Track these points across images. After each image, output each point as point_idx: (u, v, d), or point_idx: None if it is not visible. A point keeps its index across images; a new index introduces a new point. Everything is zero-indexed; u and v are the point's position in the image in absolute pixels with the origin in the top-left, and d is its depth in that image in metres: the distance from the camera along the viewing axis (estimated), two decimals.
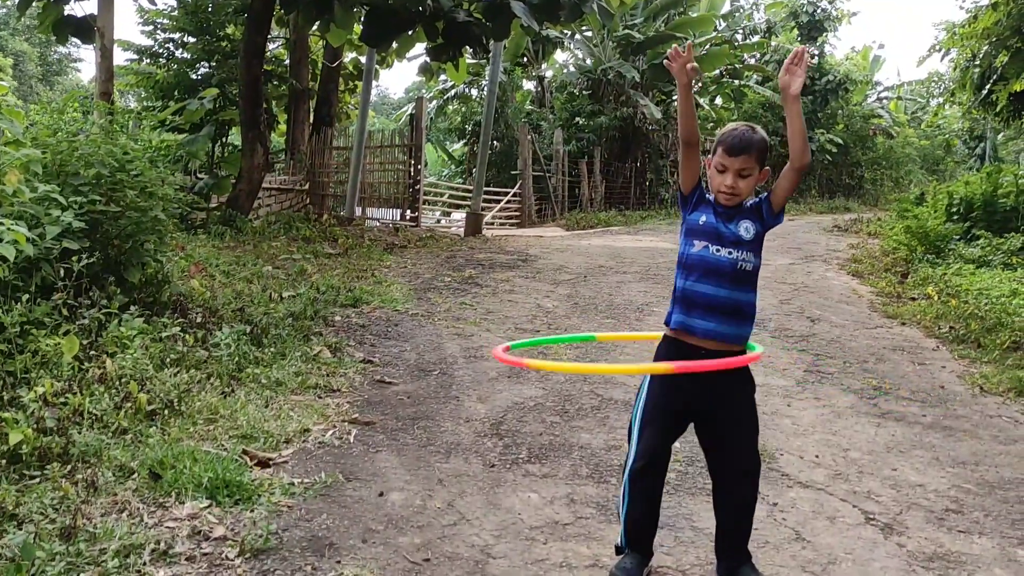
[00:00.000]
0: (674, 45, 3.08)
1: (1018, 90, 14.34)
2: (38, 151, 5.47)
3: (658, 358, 3.17)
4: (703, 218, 3.07)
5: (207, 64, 17.13)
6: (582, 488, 4.04)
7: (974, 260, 11.50)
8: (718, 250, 3.02)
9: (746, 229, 3.03)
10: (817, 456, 4.68)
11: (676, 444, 3.34)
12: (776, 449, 4.71)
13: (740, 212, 3.06)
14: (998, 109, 16.92)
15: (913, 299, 9.60)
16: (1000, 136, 34.05)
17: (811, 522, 3.80)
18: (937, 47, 16.98)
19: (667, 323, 3.16)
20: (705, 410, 3.08)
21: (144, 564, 2.99)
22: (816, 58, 31.25)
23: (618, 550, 3.24)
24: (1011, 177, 13.95)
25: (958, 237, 12.84)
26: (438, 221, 21.97)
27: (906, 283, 10.76)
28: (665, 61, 3.10)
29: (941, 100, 27.29)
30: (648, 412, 3.12)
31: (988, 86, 15.88)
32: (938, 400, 5.91)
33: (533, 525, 3.59)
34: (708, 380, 2.99)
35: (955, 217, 13.77)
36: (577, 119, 25.16)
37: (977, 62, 15.96)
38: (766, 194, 3.09)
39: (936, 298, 9.33)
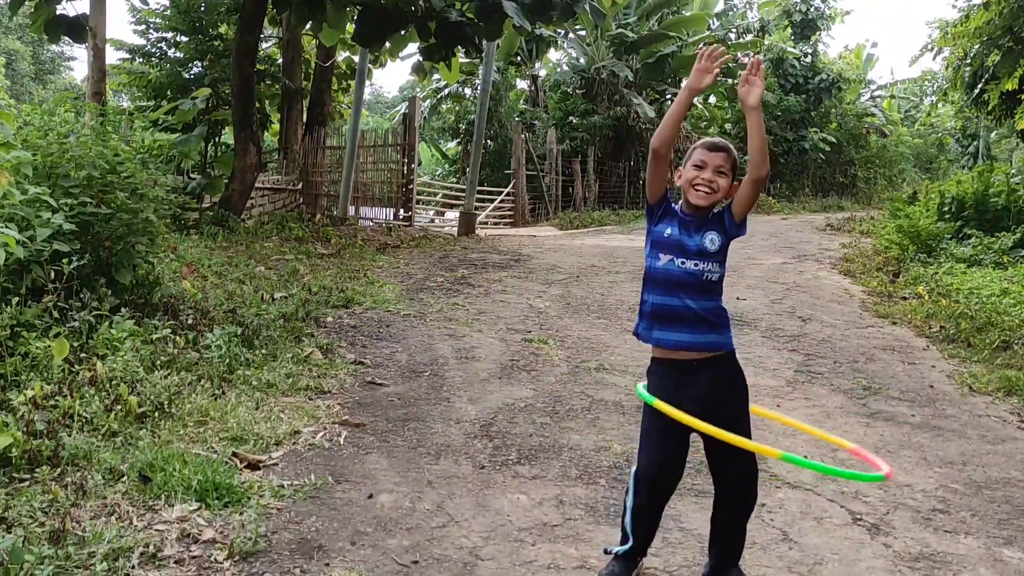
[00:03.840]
0: (719, 46, 3.06)
1: (1009, 89, 14.36)
2: (28, 153, 5.46)
3: (651, 376, 3.17)
4: (668, 230, 3.09)
5: (200, 64, 17.07)
6: (571, 489, 4.05)
7: (965, 259, 11.54)
8: (683, 263, 3.04)
9: (711, 240, 3.05)
10: (806, 456, 4.69)
11: None
12: None
13: (705, 223, 3.07)
14: (990, 108, 16.95)
15: (904, 298, 9.63)
16: (993, 135, 34.08)
17: (799, 523, 3.83)
18: (930, 46, 17.00)
19: (636, 334, 3.18)
20: (707, 414, 2.98)
21: (133, 567, 3.00)
22: (809, 57, 31.28)
23: (607, 552, 3.26)
24: (1002, 176, 14.00)
25: (950, 236, 12.87)
26: (432, 220, 21.96)
27: (897, 282, 10.80)
28: (700, 60, 3.05)
29: (934, 99, 27.36)
30: (645, 429, 3.15)
31: (980, 85, 15.91)
32: (927, 400, 5.94)
33: (522, 527, 3.60)
34: (699, 390, 3.01)
35: (947, 216, 13.80)
36: (571, 118, 25.16)
37: (969, 61, 16.00)
38: (728, 203, 3.11)
39: (927, 297, 9.37)
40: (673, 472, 3.10)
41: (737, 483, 3.12)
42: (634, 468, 3.16)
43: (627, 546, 3.16)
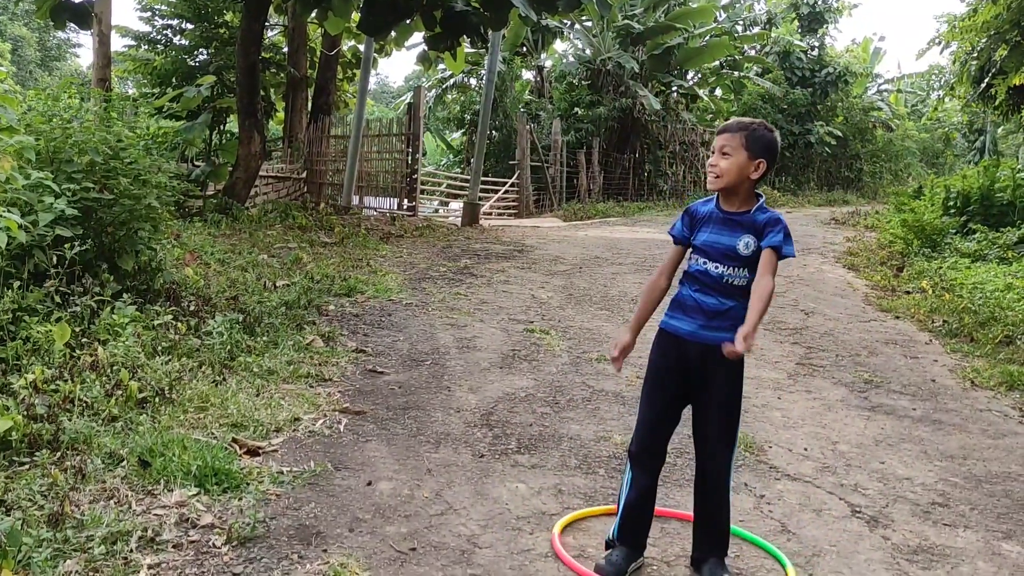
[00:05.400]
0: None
1: (1017, 84, 14.32)
2: (31, 138, 5.47)
3: (653, 349, 3.26)
4: (705, 236, 3.10)
5: (205, 51, 17.11)
6: (570, 479, 4.05)
7: (970, 254, 11.50)
8: (716, 266, 3.06)
9: (746, 244, 3.02)
10: (806, 449, 4.70)
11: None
12: (765, 441, 4.73)
13: (742, 225, 3.04)
14: (997, 103, 16.90)
15: (908, 293, 9.62)
16: (1000, 129, 34.02)
17: (797, 514, 3.82)
18: (937, 40, 16.93)
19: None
20: (696, 381, 3.11)
21: (131, 551, 3.00)
22: (816, 50, 31.19)
23: (608, 544, 3.27)
24: (1008, 171, 13.95)
25: (954, 231, 12.84)
26: (436, 210, 21.96)
27: (901, 277, 10.78)
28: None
29: (941, 93, 27.25)
30: (646, 393, 3.22)
31: (987, 80, 15.85)
32: (929, 394, 5.93)
33: (520, 515, 3.60)
34: (699, 360, 3.08)
35: (952, 211, 13.76)
36: (576, 109, 25.12)
37: (976, 55, 15.94)
38: (775, 227, 3.05)
39: (930, 292, 9.35)
40: (662, 431, 3.19)
41: (705, 473, 3.19)
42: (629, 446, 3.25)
43: (616, 518, 3.21)
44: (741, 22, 30.54)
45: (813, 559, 3.40)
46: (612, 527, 3.27)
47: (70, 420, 3.92)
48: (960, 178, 15.50)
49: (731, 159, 3.02)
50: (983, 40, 14.88)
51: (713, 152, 3.09)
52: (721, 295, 3.04)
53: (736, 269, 3.03)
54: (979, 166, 16.86)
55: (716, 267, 3.05)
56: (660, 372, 3.18)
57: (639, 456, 3.18)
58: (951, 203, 13.95)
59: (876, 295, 9.61)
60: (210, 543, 3.13)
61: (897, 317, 8.47)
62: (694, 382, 3.11)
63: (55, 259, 5.16)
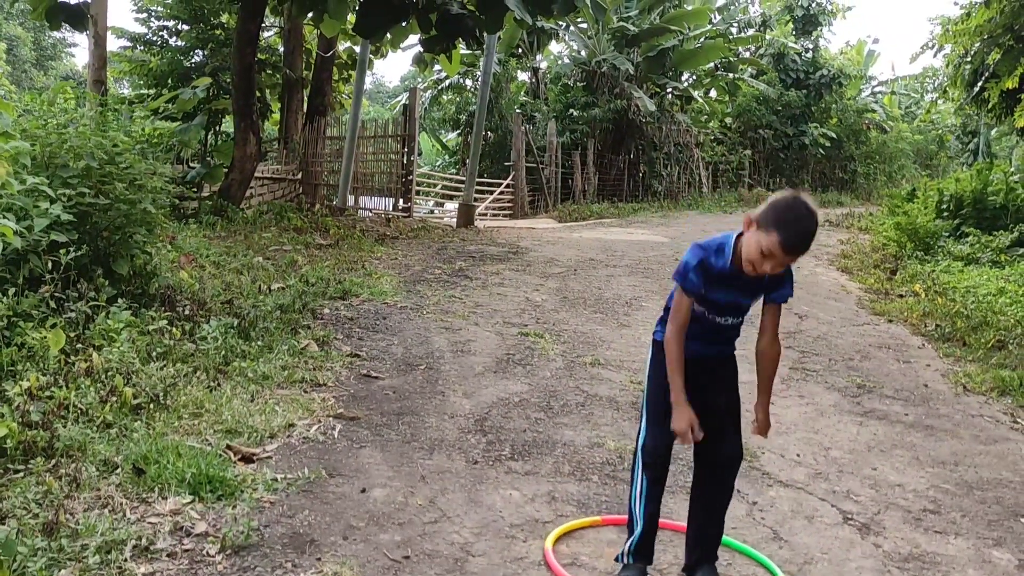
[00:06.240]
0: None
1: (1010, 87, 14.34)
2: (26, 143, 5.46)
3: (658, 366, 3.18)
4: (718, 295, 3.01)
5: (201, 52, 17.09)
6: (563, 486, 4.07)
7: (963, 257, 11.56)
8: (722, 319, 3.09)
9: (754, 299, 3.11)
10: (798, 455, 4.72)
11: None
12: (758, 447, 4.75)
13: (755, 283, 2.99)
14: (990, 106, 16.92)
15: (901, 296, 9.66)
16: (993, 132, 34.06)
17: (789, 521, 3.85)
18: (931, 43, 16.96)
19: (656, 338, 3.20)
20: (704, 383, 3.12)
21: (125, 560, 3.01)
22: (810, 52, 31.26)
23: (618, 560, 3.24)
24: (1001, 175, 14.02)
25: (947, 234, 12.91)
26: (431, 211, 21.97)
27: (895, 280, 10.82)
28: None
29: (935, 96, 27.30)
30: (659, 403, 3.13)
31: (980, 83, 15.88)
32: (921, 399, 5.96)
33: (513, 523, 3.62)
34: (704, 371, 3.11)
35: (945, 214, 13.83)
36: (571, 111, 25.14)
37: (969, 59, 15.97)
38: (789, 278, 3.05)
39: (923, 295, 9.39)
40: (671, 439, 3.13)
41: (720, 467, 3.17)
42: (639, 444, 3.19)
43: (637, 533, 3.15)
44: (736, 24, 30.58)
45: (805, 567, 3.42)
46: (628, 544, 3.18)
47: (65, 427, 3.93)
48: (953, 181, 15.56)
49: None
50: (976, 44, 14.90)
51: (771, 257, 2.79)
52: (719, 331, 3.12)
53: (739, 318, 3.11)
54: (972, 169, 16.92)
55: (720, 319, 3.08)
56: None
57: (654, 466, 3.15)
58: (944, 206, 14.02)
59: (869, 298, 9.64)
60: (204, 552, 3.14)
61: (890, 321, 8.50)
62: (701, 384, 3.11)
63: (50, 264, 5.16)
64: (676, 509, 3.85)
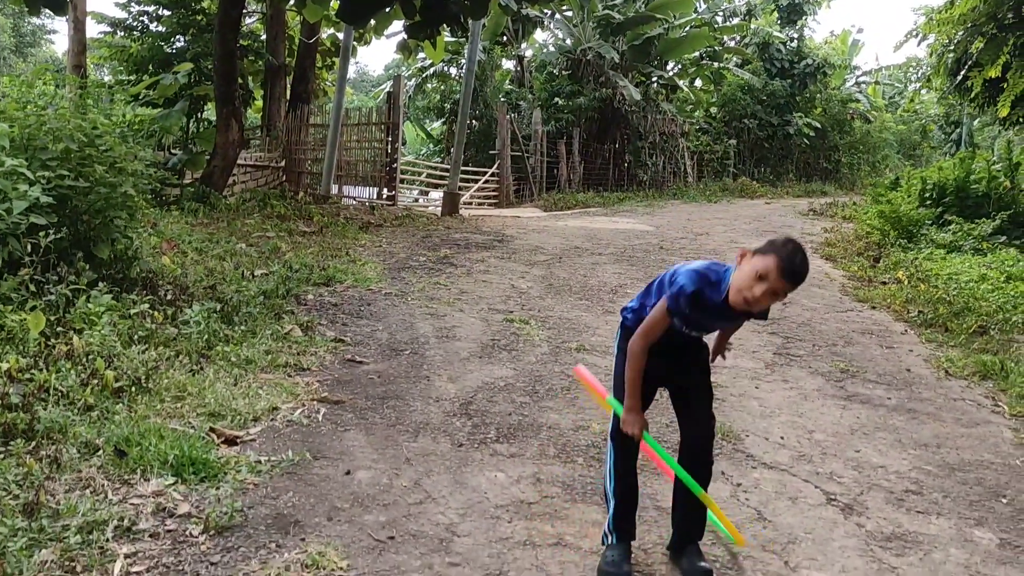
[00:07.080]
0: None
1: (992, 76, 14.40)
2: (4, 124, 5.40)
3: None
4: (700, 317, 3.04)
5: (182, 38, 16.88)
6: (548, 468, 4.07)
7: (945, 245, 11.63)
8: (696, 333, 3.19)
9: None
10: (782, 438, 4.74)
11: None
12: (742, 430, 4.76)
13: (744, 316, 3.11)
14: (973, 95, 17.00)
15: (884, 283, 9.70)
16: (976, 122, 34.25)
17: (773, 502, 3.86)
18: (915, 32, 17.01)
19: (626, 324, 3.25)
20: (675, 377, 3.23)
21: (107, 540, 2.99)
22: (795, 41, 31.28)
23: (604, 539, 3.23)
24: (983, 164, 14.09)
25: (930, 222, 12.96)
26: (415, 200, 21.89)
27: (878, 267, 10.86)
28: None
29: (918, 85, 27.43)
30: (618, 381, 3.23)
31: (963, 72, 15.94)
32: (904, 383, 5.99)
33: (498, 504, 3.61)
34: (677, 354, 3.18)
35: (928, 202, 13.89)
36: (556, 99, 25.08)
37: (952, 48, 16.02)
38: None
39: (906, 282, 9.43)
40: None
41: (694, 445, 3.20)
42: (610, 426, 3.25)
43: (611, 509, 3.17)
44: (721, 13, 30.58)
45: (789, 546, 3.43)
46: (607, 522, 3.20)
47: (45, 409, 3.89)
48: (936, 170, 15.64)
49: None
50: (960, 33, 14.95)
51: (774, 292, 2.84)
52: (685, 336, 3.17)
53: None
54: (955, 158, 17.01)
55: (693, 332, 3.16)
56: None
57: (625, 438, 3.15)
58: (927, 195, 14.08)
59: (853, 285, 9.68)
60: (187, 532, 3.12)
61: (873, 307, 8.54)
62: (672, 362, 3.17)
63: (29, 247, 5.11)
64: (660, 490, 3.86)
